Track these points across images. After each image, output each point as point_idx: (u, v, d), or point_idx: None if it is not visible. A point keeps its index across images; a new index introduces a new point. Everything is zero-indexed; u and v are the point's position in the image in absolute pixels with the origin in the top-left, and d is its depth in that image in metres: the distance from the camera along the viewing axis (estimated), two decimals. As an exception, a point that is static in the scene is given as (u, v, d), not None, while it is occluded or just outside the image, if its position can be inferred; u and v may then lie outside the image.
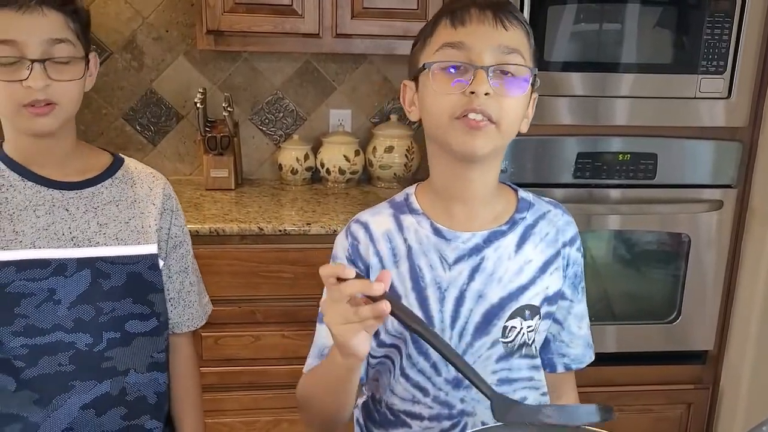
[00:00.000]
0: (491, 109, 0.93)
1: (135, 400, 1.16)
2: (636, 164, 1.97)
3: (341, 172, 2.39)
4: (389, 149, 2.38)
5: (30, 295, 1.08)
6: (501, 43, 0.95)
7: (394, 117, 2.46)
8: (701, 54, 1.90)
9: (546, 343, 1.12)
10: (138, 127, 2.46)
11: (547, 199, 1.11)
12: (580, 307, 1.12)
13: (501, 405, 0.86)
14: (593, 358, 1.16)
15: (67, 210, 1.12)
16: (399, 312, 0.85)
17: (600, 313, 2.05)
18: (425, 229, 1.03)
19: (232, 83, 2.45)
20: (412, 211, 1.05)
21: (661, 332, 2.11)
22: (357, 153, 2.40)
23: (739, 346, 2.12)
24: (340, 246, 1.08)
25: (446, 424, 1.05)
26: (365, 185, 2.49)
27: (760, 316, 2.03)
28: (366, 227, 1.07)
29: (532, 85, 0.99)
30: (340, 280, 0.85)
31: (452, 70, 0.95)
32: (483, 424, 1.05)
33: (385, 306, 0.82)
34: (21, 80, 1.01)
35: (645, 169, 1.98)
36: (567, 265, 1.08)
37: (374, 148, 2.41)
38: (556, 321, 1.10)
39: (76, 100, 1.08)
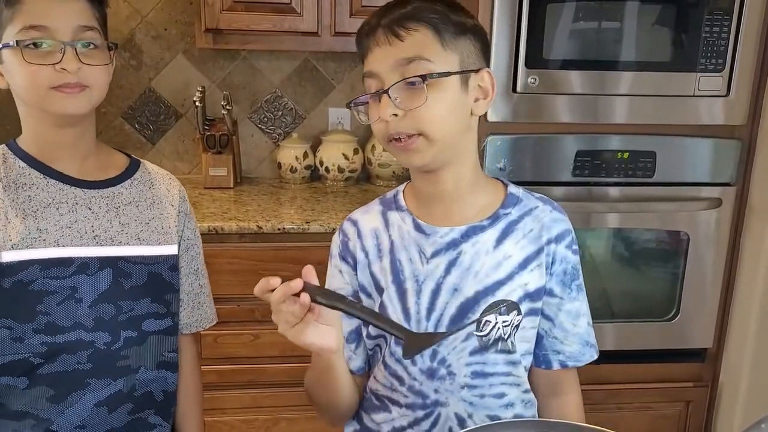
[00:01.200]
0: (406, 127, 0.97)
1: (142, 395, 1.17)
2: (635, 162, 1.97)
3: (340, 170, 2.39)
4: (388, 147, 2.38)
5: (52, 293, 1.08)
6: (398, 57, 0.97)
7: (393, 115, 2.46)
8: (700, 52, 1.89)
9: (539, 339, 1.12)
10: (137, 126, 2.46)
11: (538, 195, 1.12)
12: (574, 305, 1.11)
13: (412, 341, 0.91)
14: (594, 357, 1.14)
15: (90, 209, 1.13)
16: (319, 297, 0.89)
17: (599, 311, 2.04)
18: (408, 225, 1.08)
19: (231, 81, 2.45)
20: (399, 207, 1.10)
21: (660, 330, 2.11)
22: (356, 151, 2.40)
23: (738, 344, 2.12)
24: (334, 243, 1.14)
25: (420, 413, 1.08)
26: (364, 183, 2.49)
27: (759, 314, 2.03)
28: (356, 224, 1.12)
29: (472, 72, 1.01)
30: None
31: (369, 99, 1.01)
32: (457, 416, 1.07)
33: (304, 299, 0.87)
34: (54, 63, 1.02)
35: (644, 167, 1.98)
36: (552, 262, 1.07)
37: (373, 146, 2.41)
38: (546, 317, 1.10)
39: (105, 85, 1.09)
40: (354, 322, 1.11)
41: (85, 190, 1.13)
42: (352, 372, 1.12)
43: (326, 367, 1.02)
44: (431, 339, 0.96)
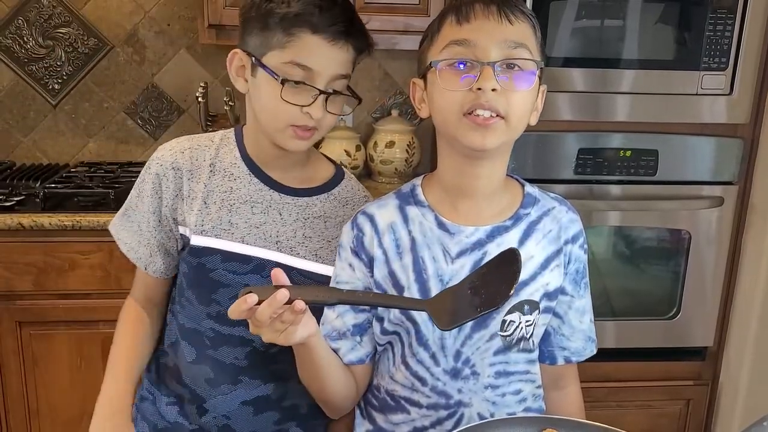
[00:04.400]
0: (499, 105, 0.94)
1: (289, 406, 1.21)
2: (637, 160, 1.97)
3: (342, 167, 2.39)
4: (390, 144, 2.38)
5: (227, 285, 1.13)
6: (506, 38, 0.95)
7: (395, 112, 2.46)
8: (703, 50, 1.89)
9: (546, 335, 1.13)
10: (139, 121, 2.47)
11: (553, 195, 1.12)
12: (582, 302, 1.13)
13: (435, 309, 0.88)
14: (594, 352, 1.17)
15: (280, 214, 1.15)
16: (313, 298, 0.89)
17: (600, 309, 2.03)
18: (429, 221, 1.05)
19: (234, 77, 2.45)
20: (418, 202, 1.07)
21: (661, 328, 2.11)
22: (358, 148, 2.40)
23: (738, 343, 2.12)
24: (346, 236, 1.10)
25: (443, 413, 1.07)
26: (366, 180, 2.49)
27: (760, 313, 2.03)
28: (371, 219, 1.08)
29: (540, 77, 1.00)
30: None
31: (460, 67, 0.96)
32: (479, 415, 1.07)
33: (299, 306, 0.87)
34: (303, 105, 1.05)
35: (646, 166, 1.97)
36: (568, 261, 1.09)
37: (375, 143, 2.41)
38: (556, 315, 1.11)
39: (329, 128, 1.14)
40: (361, 317, 1.09)
41: (282, 195, 1.16)
42: (352, 363, 1.10)
43: (307, 351, 1.01)
44: (455, 302, 0.88)
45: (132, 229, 1.19)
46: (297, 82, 1.05)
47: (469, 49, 0.95)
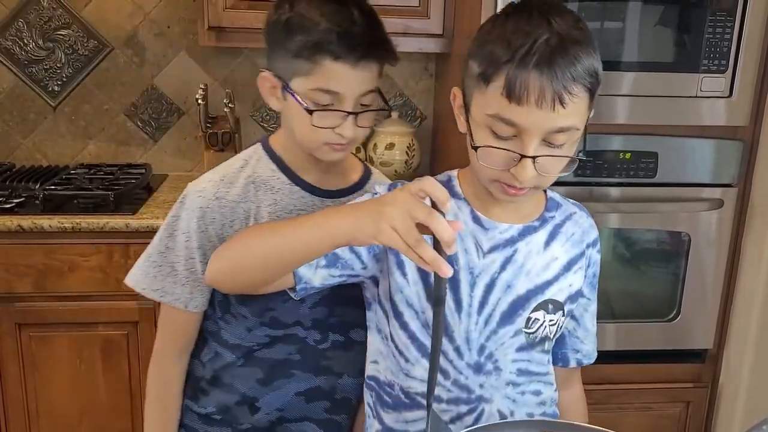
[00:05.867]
0: (533, 182, 0.95)
1: (341, 399, 1.25)
2: (637, 163, 1.97)
3: (342, 168, 2.39)
4: (390, 146, 2.38)
5: (281, 293, 1.11)
6: (555, 125, 0.91)
7: (394, 114, 2.46)
8: (703, 53, 1.89)
9: (561, 338, 1.15)
10: (139, 123, 2.47)
11: (572, 201, 1.15)
12: (594, 305, 1.16)
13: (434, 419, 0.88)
14: (595, 354, 1.21)
15: None
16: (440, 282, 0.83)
17: (599, 311, 2.03)
18: (465, 214, 1.05)
19: (234, 79, 2.45)
20: (454, 194, 1.06)
21: (661, 331, 2.11)
22: (358, 150, 2.40)
23: (738, 345, 2.12)
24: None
25: (463, 408, 1.07)
26: (366, 182, 2.49)
27: (760, 315, 2.03)
28: None
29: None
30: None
31: (501, 136, 0.94)
32: (500, 412, 1.08)
33: (447, 269, 0.79)
34: (333, 127, 1.07)
35: (646, 168, 1.97)
36: (588, 265, 1.12)
37: (375, 144, 2.41)
38: (573, 318, 1.15)
39: (366, 136, 1.16)
40: (336, 279, 1.04)
41: (323, 199, 1.18)
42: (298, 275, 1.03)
43: (319, 246, 0.93)
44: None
45: (163, 273, 1.17)
46: (325, 107, 1.06)
47: (514, 128, 0.92)
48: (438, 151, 2.54)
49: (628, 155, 1.96)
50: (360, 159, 1.29)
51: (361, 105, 1.09)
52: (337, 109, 1.07)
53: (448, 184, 1.07)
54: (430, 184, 0.81)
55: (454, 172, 1.10)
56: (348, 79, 1.06)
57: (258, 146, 1.20)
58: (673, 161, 1.98)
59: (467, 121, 0.99)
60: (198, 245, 1.15)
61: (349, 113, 1.07)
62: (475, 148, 0.95)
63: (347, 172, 1.23)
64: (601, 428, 0.90)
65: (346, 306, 1.19)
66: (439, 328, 0.87)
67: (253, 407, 1.21)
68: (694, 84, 1.91)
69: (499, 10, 1.81)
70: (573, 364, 1.17)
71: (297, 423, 1.23)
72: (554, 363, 1.16)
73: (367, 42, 1.06)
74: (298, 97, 1.07)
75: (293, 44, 1.05)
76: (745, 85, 1.92)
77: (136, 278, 1.20)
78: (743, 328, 2.09)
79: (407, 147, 2.38)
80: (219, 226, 1.14)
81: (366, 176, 1.25)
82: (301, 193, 1.17)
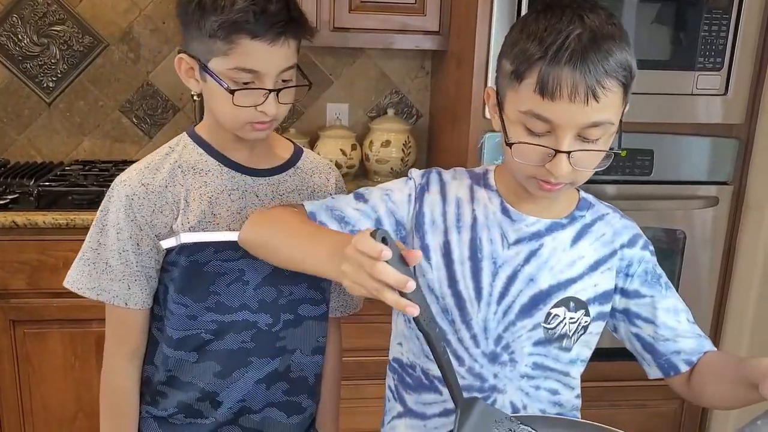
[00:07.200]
0: (569, 178, 0.95)
1: (297, 378, 1.24)
2: (632, 160, 1.97)
3: (338, 166, 2.39)
4: (386, 143, 2.38)
5: (223, 274, 1.15)
6: (589, 119, 0.91)
7: (391, 111, 2.45)
8: (698, 50, 1.90)
9: (651, 348, 1.10)
10: (134, 120, 2.46)
11: (606, 203, 1.14)
12: (670, 302, 1.11)
13: (464, 407, 0.90)
14: (713, 347, 1.12)
15: (257, 196, 1.18)
16: (422, 307, 0.82)
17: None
18: (494, 205, 1.07)
19: (229, 76, 2.44)
20: (488, 186, 1.08)
21: (656, 328, 2.12)
22: (354, 147, 2.40)
23: (733, 343, 2.12)
24: (407, 183, 1.10)
25: (476, 396, 1.06)
26: (362, 179, 2.49)
27: (754, 313, 2.04)
28: (443, 185, 1.10)
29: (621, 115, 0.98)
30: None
31: (536, 132, 0.94)
32: (512, 404, 1.08)
33: (413, 309, 0.79)
34: (255, 105, 1.07)
35: (641, 166, 1.98)
36: (629, 264, 1.10)
37: (371, 142, 2.40)
38: (645, 320, 1.09)
39: (287, 110, 1.15)
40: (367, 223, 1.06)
41: (254, 178, 1.18)
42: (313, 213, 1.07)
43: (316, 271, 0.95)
44: (486, 422, 0.92)
45: (98, 270, 1.16)
46: (245, 85, 1.06)
47: (548, 124, 0.92)
48: (434, 149, 2.54)
49: (623, 153, 1.97)
50: (290, 140, 1.28)
51: (282, 81, 1.09)
52: (258, 87, 1.07)
53: (483, 177, 1.09)
54: (361, 243, 0.80)
55: (492, 166, 1.12)
56: (267, 57, 1.05)
57: (183, 134, 1.20)
58: (668, 159, 1.98)
59: (501, 119, 0.99)
60: (129, 235, 1.14)
61: (271, 90, 1.07)
62: (510, 145, 0.96)
63: (275, 150, 1.23)
64: (596, 423, 0.90)
65: (292, 284, 1.18)
66: (441, 356, 0.87)
67: (215, 402, 1.19)
68: (689, 82, 1.91)
69: (494, 9, 1.83)
70: (685, 367, 1.09)
71: (260, 413, 1.22)
72: (666, 375, 1.10)
73: (284, 19, 1.06)
74: (218, 78, 1.07)
75: (208, 24, 1.04)
76: (740, 82, 1.92)
77: (73, 279, 1.18)
78: (738, 325, 2.10)
79: (403, 144, 2.38)
80: (148, 213, 1.13)
81: (297, 155, 1.25)
82: (231, 173, 1.16)
